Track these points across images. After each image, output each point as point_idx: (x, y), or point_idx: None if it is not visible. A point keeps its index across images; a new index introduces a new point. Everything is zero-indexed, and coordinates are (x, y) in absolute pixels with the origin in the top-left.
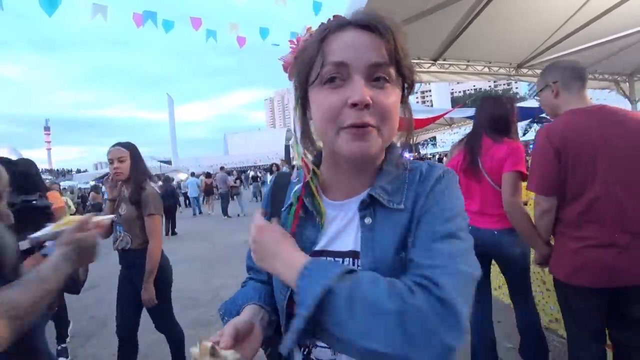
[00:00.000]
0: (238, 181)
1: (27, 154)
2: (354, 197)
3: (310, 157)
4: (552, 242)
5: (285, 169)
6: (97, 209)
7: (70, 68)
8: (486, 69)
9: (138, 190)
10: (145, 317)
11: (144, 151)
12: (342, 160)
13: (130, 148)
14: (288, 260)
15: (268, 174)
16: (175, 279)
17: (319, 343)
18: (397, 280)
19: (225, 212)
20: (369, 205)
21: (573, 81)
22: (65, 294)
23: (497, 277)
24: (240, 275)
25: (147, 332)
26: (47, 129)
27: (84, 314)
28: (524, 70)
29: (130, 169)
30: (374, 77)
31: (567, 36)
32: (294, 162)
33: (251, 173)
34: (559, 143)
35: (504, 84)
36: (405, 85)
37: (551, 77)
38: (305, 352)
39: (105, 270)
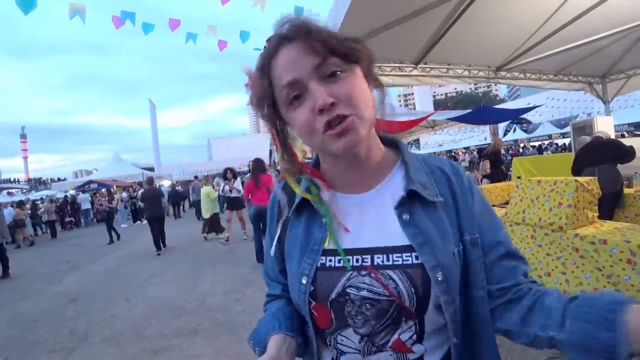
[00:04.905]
0: None
1: (2, 163)
2: (370, 190)
3: (300, 158)
4: None
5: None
6: (21, 225)
7: (47, 74)
8: (466, 72)
9: None
10: None
11: (126, 158)
12: (339, 158)
13: None
14: None
15: (222, 182)
16: (160, 288)
17: (342, 340)
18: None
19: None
20: (407, 201)
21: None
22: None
23: None
24: (227, 282)
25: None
26: (23, 136)
27: (64, 327)
28: (503, 73)
29: None
30: (325, 74)
31: (542, 40)
32: (279, 167)
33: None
34: None
35: (484, 87)
36: (361, 60)
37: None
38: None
39: (85, 283)
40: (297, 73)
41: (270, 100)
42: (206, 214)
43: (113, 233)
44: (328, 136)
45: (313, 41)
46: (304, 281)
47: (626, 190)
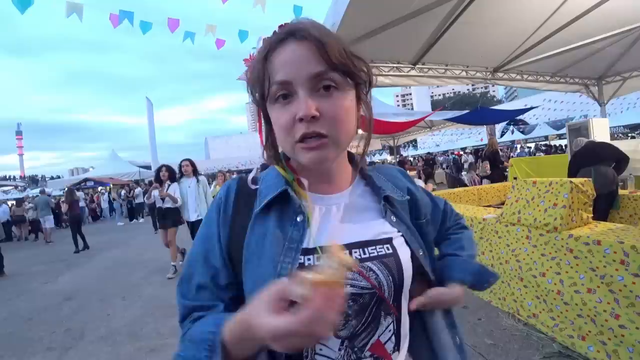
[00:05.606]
0: None
1: None
2: (338, 192)
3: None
4: None
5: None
6: (21, 221)
7: (44, 71)
8: (464, 73)
9: None
10: None
11: (122, 156)
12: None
13: None
14: None
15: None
16: (156, 287)
17: (321, 349)
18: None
19: None
20: (387, 205)
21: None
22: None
23: None
24: None
25: None
26: (18, 133)
27: (60, 326)
28: (500, 74)
29: None
30: (319, 86)
31: (539, 42)
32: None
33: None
34: None
35: (482, 87)
36: (360, 83)
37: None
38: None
39: (81, 281)
40: (292, 76)
41: (261, 88)
42: None
43: (79, 240)
44: (300, 145)
45: (321, 49)
46: None
47: (621, 192)
